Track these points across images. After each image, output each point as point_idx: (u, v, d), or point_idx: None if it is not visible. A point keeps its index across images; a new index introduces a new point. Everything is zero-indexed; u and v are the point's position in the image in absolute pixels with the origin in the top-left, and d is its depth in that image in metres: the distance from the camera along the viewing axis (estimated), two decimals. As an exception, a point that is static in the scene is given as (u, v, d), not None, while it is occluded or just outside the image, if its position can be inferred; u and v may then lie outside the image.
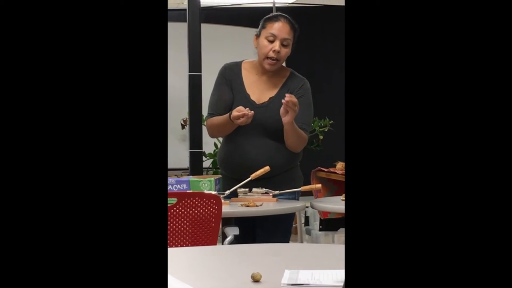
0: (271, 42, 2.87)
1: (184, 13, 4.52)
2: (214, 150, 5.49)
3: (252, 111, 2.78)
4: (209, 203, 2.43)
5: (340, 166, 4.30)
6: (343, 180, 4.03)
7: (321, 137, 5.91)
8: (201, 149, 4.41)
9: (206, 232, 2.43)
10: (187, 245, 2.39)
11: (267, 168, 2.81)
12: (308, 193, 3.61)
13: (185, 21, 4.38)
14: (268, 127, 2.88)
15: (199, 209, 2.42)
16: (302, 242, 4.70)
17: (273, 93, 2.94)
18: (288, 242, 2.95)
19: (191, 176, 2.95)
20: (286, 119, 2.77)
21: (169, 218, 2.37)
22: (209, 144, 5.22)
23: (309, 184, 3.81)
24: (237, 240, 2.59)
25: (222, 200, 2.52)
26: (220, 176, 2.98)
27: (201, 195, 2.47)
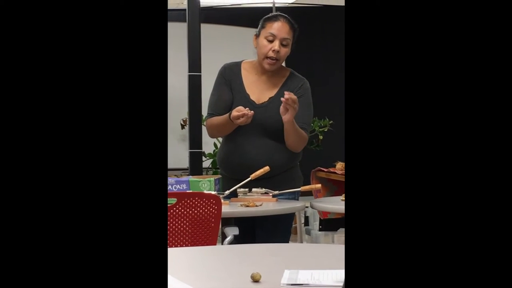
0: (271, 42, 2.87)
1: (184, 13, 4.52)
2: (214, 150, 5.49)
3: (252, 111, 2.78)
4: (209, 203, 2.43)
5: (340, 166, 4.30)
6: (343, 180, 4.03)
7: (321, 137, 5.91)
8: (201, 149, 4.40)
9: (205, 232, 2.43)
10: (187, 245, 2.39)
11: (266, 168, 2.80)
12: (308, 193, 3.61)
13: (184, 21, 4.38)
14: (268, 127, 2.88)
15: (198, 209, 2.42)
16: (302, 242, 4.70)
17: (272, 93, 2.94)
18: (287, 242, 2.95)
19: (190, 176, 2.95)
20: (286, 117, 2.77)
21: (169, 218, 2.37)
22: (208, 144, 5.22)
23: (309, 184, 3.81)
24: (236, 240, 2.58)
25: (222, 200, 2.52)
26: (219, 176, 2.98)
27: (201, 195, 2.47)
